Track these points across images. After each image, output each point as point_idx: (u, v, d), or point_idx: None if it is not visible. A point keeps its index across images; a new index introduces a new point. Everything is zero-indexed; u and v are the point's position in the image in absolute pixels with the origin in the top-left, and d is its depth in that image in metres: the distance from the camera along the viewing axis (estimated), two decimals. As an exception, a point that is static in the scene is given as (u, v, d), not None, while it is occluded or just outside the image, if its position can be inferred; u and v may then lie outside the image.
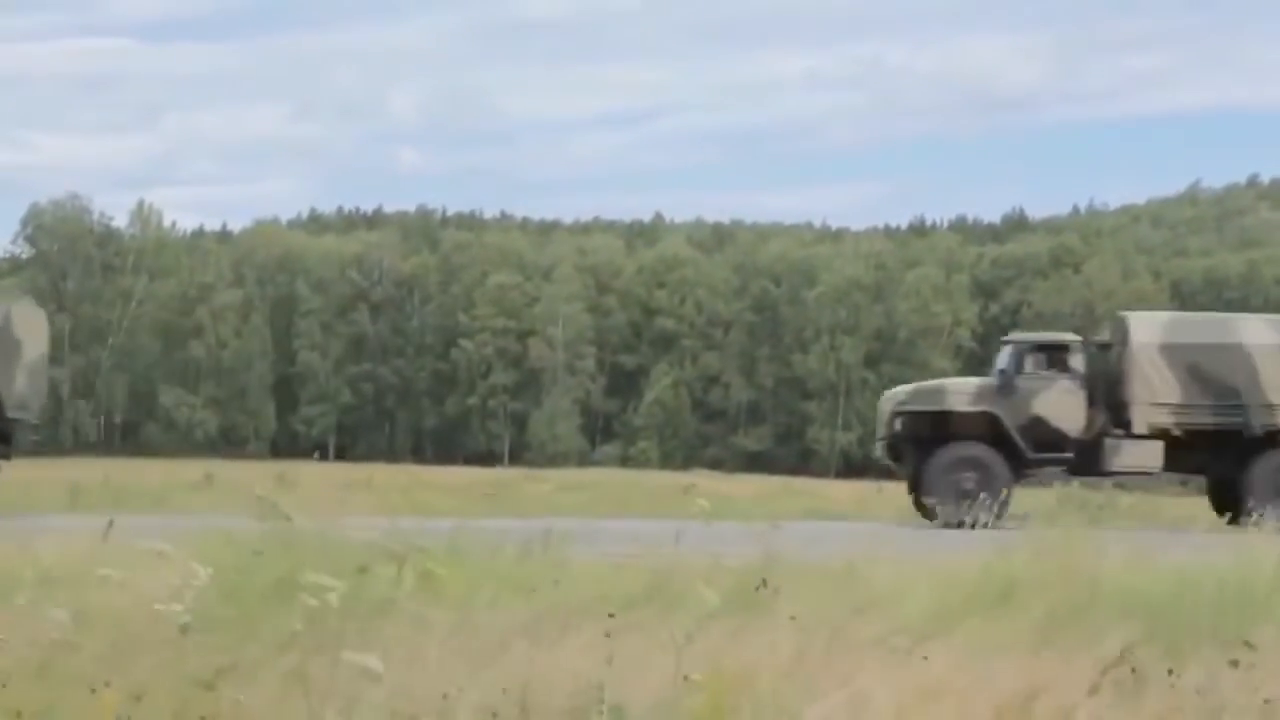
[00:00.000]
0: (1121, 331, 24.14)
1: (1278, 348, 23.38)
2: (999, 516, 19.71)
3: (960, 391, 24.20)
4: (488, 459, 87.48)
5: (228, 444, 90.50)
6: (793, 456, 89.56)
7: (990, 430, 23.24)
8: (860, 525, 20.85)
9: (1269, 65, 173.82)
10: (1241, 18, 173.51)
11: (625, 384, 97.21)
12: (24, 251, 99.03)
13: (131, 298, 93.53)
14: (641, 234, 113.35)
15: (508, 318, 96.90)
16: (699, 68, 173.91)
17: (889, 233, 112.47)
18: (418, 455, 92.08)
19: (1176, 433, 23.30)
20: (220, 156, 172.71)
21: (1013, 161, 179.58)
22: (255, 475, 43.94)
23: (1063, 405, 23.36)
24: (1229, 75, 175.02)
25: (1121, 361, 23.57)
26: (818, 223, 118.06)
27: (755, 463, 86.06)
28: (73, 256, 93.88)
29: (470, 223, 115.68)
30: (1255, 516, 20.09)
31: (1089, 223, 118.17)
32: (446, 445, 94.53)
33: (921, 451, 23.35)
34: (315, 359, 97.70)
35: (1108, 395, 23.56)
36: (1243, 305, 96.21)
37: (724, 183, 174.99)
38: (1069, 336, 25.61)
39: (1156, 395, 23.21)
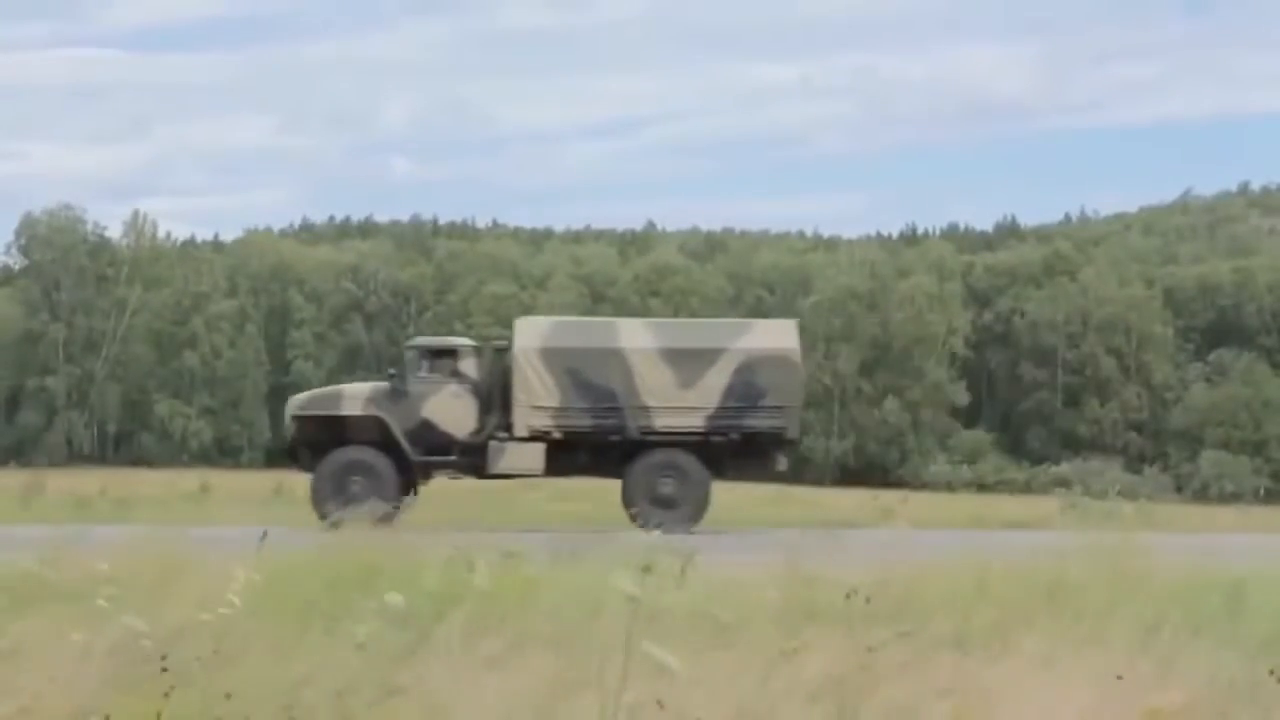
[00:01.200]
0: (511, 336, 24.47)
1: (655, 351, 23.66)
2: (392, 519, 20.54)
3: (354, 396, 24.35)
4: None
5: (222, 454, 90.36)
6: (788, 465, 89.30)
7: (381, 434, 23.37)
8: (875, 533, 20.79)
9: (1259, 73, 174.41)
10: (1232, 26, 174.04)
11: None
12: (17, 262, 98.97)
13: (126, 308, 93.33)
14: (634, 242, 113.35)
15: (503, 327, 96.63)
16: (690, 76, 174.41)
17: (881, 241, 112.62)
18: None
19: (558, 435, 23.49)
20: (210, 167, 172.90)
21: (1004, 169, 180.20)
22: (252, 485, 44.03)
23: (451, 409, 23.59)
24: (1219, 83, 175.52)
25: (507, 365, 23.73)
26: (809, 231, 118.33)
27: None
28: (66, 267, 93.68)
29: (462, 232, 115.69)
30: (639, 519, 21.19)
31: (1081, 230, 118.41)
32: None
33: (318, 456, 23.43)
34: (310, 368, 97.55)
35: (501, 399, 23.70)
36: (1236, 312, 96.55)
37: (716, 191, 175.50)
38: (461, 341, 25.93)
39: (537, 399, 23.40)
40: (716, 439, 23.40)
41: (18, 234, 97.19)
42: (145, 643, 5.13)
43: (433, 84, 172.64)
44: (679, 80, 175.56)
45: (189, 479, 45.14)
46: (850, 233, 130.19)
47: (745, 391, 23.32)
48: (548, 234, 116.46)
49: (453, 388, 23.60)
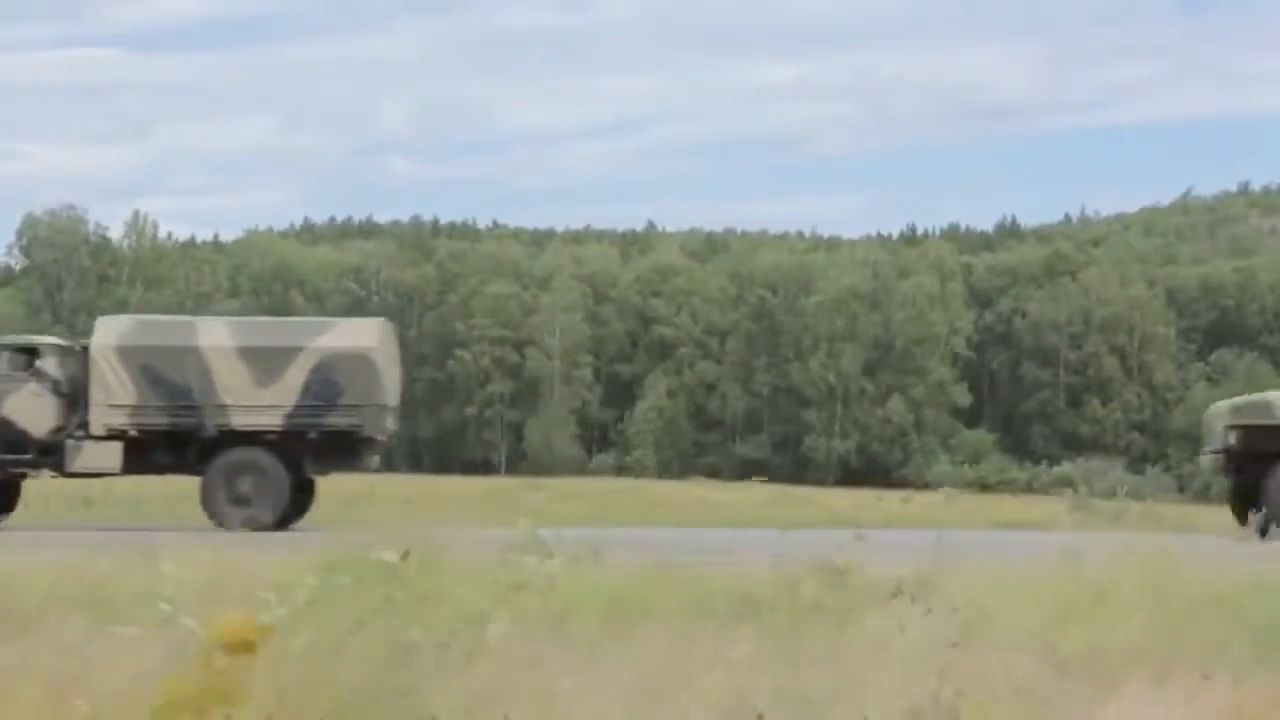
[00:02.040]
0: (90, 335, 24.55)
1: (232, 349, 23.60)
2: None
3: None
4: (484, 468, 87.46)
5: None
6: (790, 465, 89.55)
7: None
8: (886, 534, 20.72)
9: (1259, 73, 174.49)
10: (1232, 26, 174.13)
11: (622, 393, 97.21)
12: (19, 263, 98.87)
13: (127, 308, 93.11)
14: (635, 243, 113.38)
15: (504, 327, 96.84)
16: (689, 77, 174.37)
17: (881, 241, 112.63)
18: (414, 465, 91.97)
19: (135, 434, 23.43)
20: (210, 167, 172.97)
21: (1004, 170, 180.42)
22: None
23: (29, 407, 23.46)
24: (1219, 83, 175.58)
25: (85, 364, 23.77)
26: (809, 231, 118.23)
27: (752, 470, 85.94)
28: (68, 267, 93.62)
29: (463, 232, 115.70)
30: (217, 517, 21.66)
31: (1081, 231, 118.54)
32: (443, 455, 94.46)
33: None
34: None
35: (85, 397, 23.68)
36: (1238, 312, 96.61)
37: (716, 191, 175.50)
38: (44, 339, 25.64)
39: (113, 397, 23.28)
40: (296, 437, 23.39)
41: (19, 234, 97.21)
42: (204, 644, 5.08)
43: (433, 84, 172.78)
44: (679, 80, 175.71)
45: (190, 479, 44.96)
46: (850, 233, 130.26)
47: (322, 390, 23.24)
48: (549, 234, 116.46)
49: (33, 386, 23.46)
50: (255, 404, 23.22)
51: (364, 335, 24.36)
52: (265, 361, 23.40)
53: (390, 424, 24.44)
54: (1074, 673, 5.39)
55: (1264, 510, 21.91)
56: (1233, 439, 23.89)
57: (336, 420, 23.32)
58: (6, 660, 5.46)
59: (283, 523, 22.49)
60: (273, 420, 23.26)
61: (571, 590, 6.76)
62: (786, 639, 5.87)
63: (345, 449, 23.69)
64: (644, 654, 5.45)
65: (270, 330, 25.77)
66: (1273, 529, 20.41)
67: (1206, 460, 25.22)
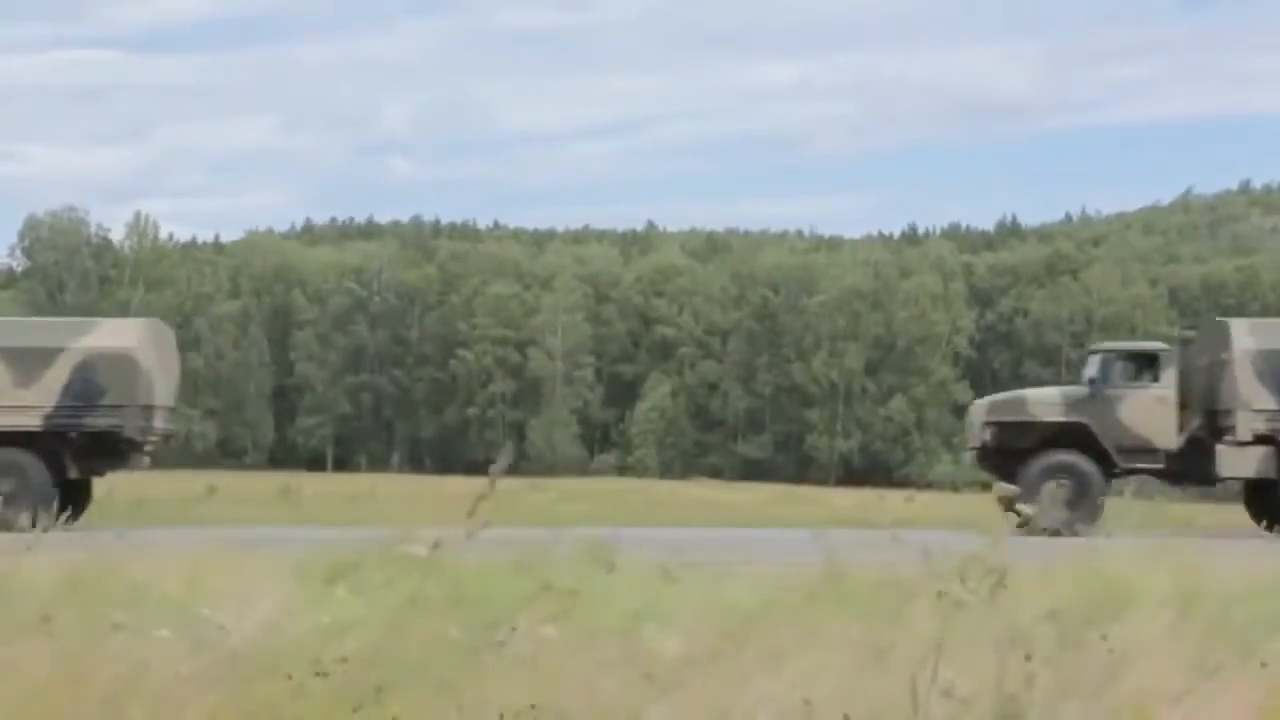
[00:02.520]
0: None
1: None
2: None
3: None
4: (486, 469, 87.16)
5: (226, 455, 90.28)
6: (792, 464, 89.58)
7: None
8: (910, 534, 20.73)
9: (1259, 72, 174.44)
10: (1232, 26, 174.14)
11: (624, 393, 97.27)
12: (20, 264, 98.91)
13: (129, 310, 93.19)
14: (636, 243, 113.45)
15: (506, 327, 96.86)
16: (690, 76, 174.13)
17: (882, 240, 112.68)
18: (416, 465, 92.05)
19: None
20: (210, 167, 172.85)
21: (1005, 169, 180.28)
22: (258, 486, 43.98)
23: None
24: (1219, 83, 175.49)
25: None
26: (809, 231, 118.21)
27: (754, 470, 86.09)
28: (70, 269, 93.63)
29: (464, 232, 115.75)
30: None
31: (1082, 230, 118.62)
32: (445, 455, 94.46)
33: None
34: (313, 369, 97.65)
35: None
36: (1240, 311, 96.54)
37: (716, 191, 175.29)
38: None
39: None
40: (57, 437, 23.42)
41: (21, 236, 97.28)
42: (244, 649, 5.06)
43: (433, 84, 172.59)
44: (679, 80, 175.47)
45: (194, 480, 45.05)
46: (851, 233, 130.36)
47: (83, 390, 23.38)
48: (550, 234, 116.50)
49: None
50: (15, 404, 23.36)
51: (127, 335, 24.38)
52: (25, 361, 23.53)
53: (158, 424, 24.32)
54: (1119, 666, 5.37)
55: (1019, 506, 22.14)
56: (988, 435, 24.22)
57: (97, 421, 23.41)
58: (38, 661, 5.44)
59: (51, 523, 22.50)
60: (32, 420, 23.36)
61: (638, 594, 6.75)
62: (816, 635, 5.86)
63: (108, 449, 23.78)
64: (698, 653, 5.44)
65: (31, 331, 25.92)
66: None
67: (968, 456, 25.48)
